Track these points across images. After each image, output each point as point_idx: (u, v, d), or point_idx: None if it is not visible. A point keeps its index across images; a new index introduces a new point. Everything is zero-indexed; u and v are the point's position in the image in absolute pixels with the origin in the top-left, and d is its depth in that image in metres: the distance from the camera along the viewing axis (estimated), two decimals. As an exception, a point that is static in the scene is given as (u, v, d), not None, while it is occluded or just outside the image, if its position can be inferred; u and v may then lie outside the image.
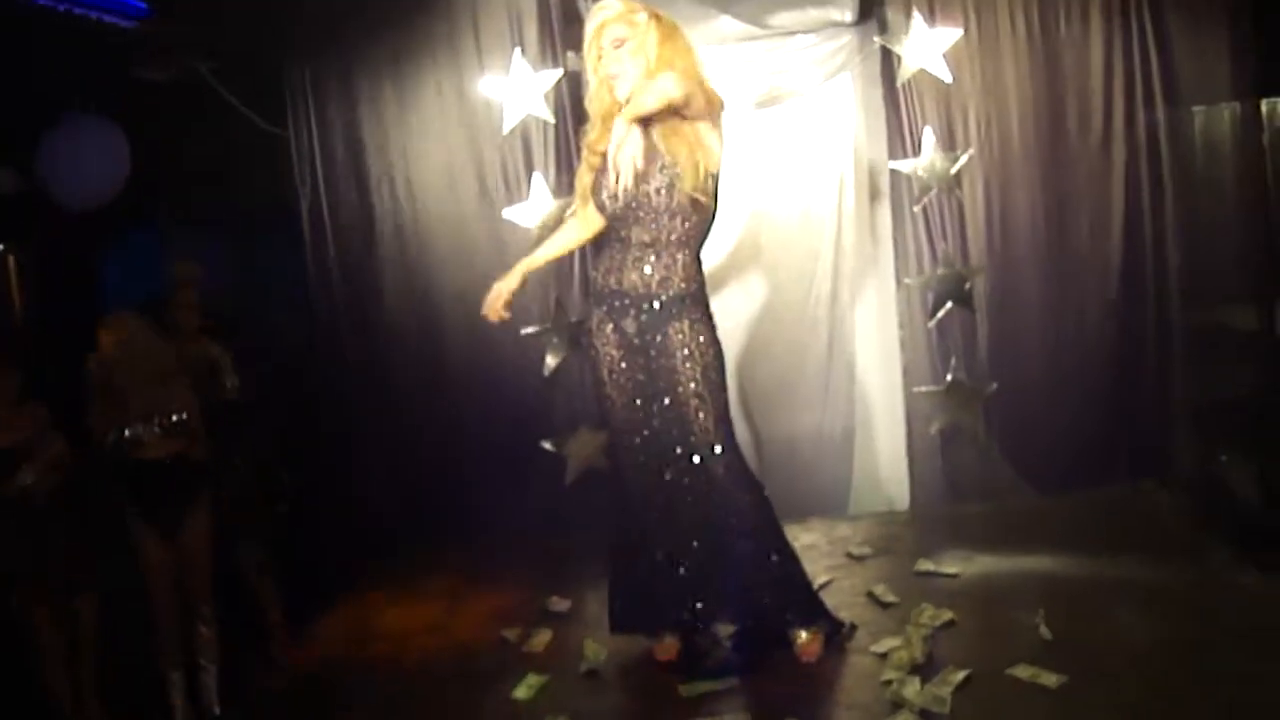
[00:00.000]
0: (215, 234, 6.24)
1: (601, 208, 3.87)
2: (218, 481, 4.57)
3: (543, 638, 4.40)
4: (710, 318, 3.91)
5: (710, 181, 3.80)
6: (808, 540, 5.08)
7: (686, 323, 3.83)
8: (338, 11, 5.58)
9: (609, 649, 4.14)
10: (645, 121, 3.65)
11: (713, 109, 3.79)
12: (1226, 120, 5.04)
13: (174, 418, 4.30)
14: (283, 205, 5.80)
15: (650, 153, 3.71)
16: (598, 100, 3.88)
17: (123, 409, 4.27)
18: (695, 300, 3.87)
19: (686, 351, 3.82)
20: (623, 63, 3.76)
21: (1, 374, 4.29)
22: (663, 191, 3.75)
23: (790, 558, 3.97)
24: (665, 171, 3.74)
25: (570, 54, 5.44)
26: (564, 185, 5.46)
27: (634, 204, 3.78)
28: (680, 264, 3.83)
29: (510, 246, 5.45)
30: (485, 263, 5.45)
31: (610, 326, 3.91)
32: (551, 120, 5.54)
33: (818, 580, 4.41)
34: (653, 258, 3.82)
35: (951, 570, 4.57)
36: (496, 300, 4.04)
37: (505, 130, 5.56)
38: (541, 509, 5.63)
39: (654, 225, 3.80)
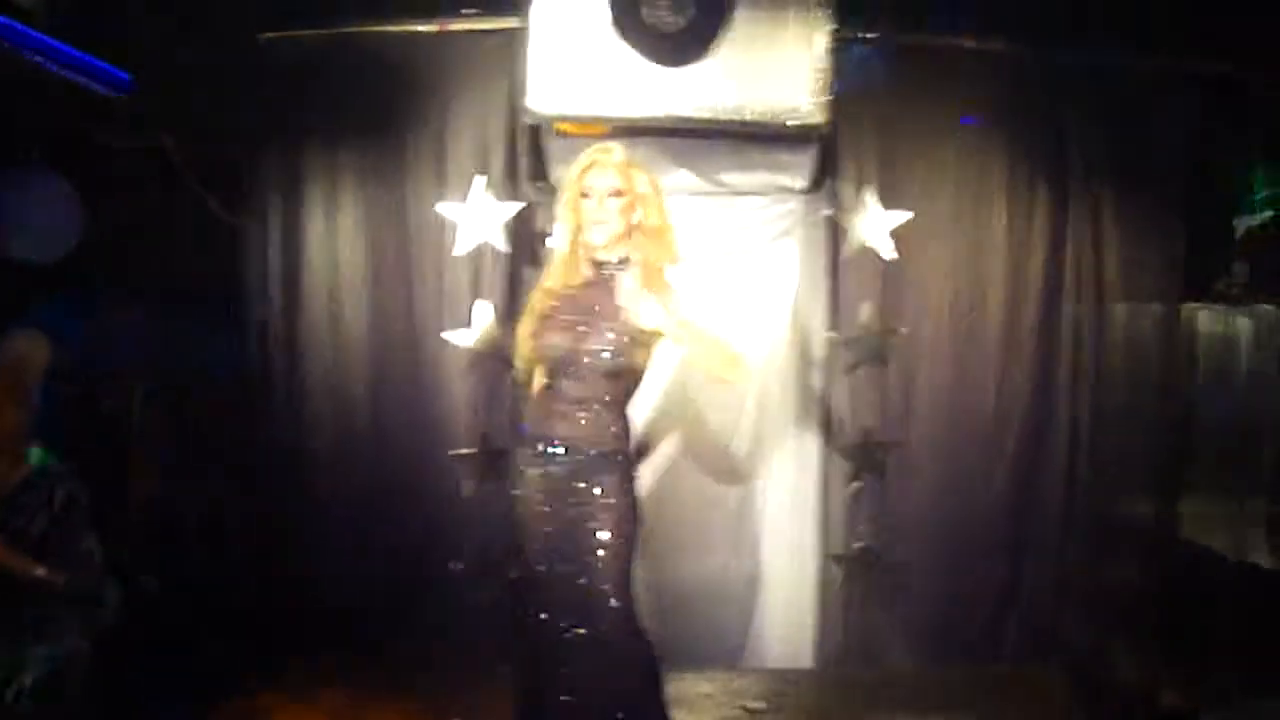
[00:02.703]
0: (148, 308, 6.09)
1: (540, 355, 3.91)
2: None
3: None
4: (633, 478, 3.93)
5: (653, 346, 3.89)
6: (704, 690, 5.11)
7: (609, 479, 3.84)
8: (308, 112, 5.59)
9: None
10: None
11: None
12: (1148, 320, 5.34)
13: None
14: (230, 295, 5.73)
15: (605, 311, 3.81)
16: (563, 239, 3.93)
17: None
18: (620, 457, 3.89)
19: (604, 506, 3.81)
20: (609, 211, 3.80)
21: None
22: (606, 354, 3.81)
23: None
24: (614, 334, 3.81)
25: (531, 185, 5.51)
26: (509, 315, 5.40)
27: (573, 359, 3.84)
28: (610, 421, 3.87)
29: (442, 371, 5.52)
30: (418, 384, 5.53)
31: (537, 471, 3.88)
32: (507, 250, 5.49)
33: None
34: (585, 413, 3.84)
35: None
36: None
37: (458, 254, 5.47)
38: (444, 630, 5.51)
39: (592, 382, 3.84)
